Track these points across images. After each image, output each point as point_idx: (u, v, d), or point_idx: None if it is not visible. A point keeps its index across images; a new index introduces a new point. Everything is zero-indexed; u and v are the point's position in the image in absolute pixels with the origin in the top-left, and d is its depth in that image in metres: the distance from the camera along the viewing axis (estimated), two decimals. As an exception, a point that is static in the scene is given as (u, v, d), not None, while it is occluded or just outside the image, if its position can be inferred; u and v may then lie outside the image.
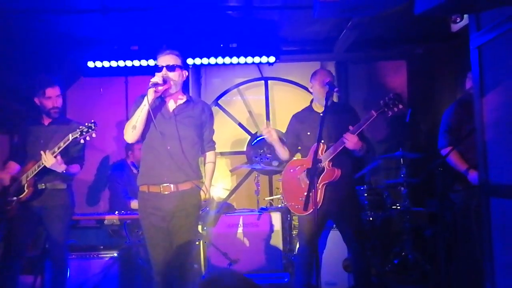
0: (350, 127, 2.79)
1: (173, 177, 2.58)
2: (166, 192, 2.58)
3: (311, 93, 3.09)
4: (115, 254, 3.47)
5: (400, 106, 2.70)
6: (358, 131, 2.77)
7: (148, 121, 2.56)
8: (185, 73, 2.72)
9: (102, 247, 3.59)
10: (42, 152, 2.88)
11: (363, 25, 3.86)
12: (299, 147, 3.13)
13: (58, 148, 2.88)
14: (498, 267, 2.24)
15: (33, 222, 3.06)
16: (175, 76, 2.64)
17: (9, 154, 3.27)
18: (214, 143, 2.84)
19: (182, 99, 2.72)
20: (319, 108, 3.02)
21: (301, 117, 3.11)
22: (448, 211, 3.23)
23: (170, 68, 2.62)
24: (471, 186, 2.91)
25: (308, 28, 4.30)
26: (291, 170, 3.04)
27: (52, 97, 3.07)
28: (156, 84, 2.52)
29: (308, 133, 2.99)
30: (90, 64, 4.45)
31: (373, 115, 2.75)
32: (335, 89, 2.80)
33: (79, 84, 4.94)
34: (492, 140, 2.28)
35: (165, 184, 2.58)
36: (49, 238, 3.11)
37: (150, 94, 2.50)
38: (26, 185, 2.98)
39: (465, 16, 3.08)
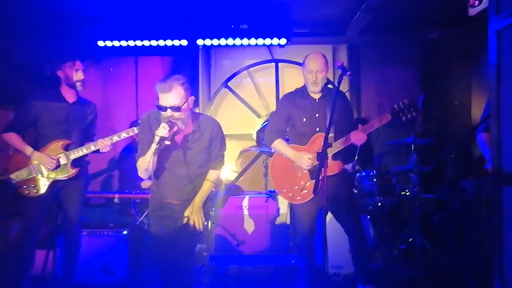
0: (360, 126, 2.79)
1: (180, 196, 2.65)
2: (176, 203, 2.67)
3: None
4: (125, 232, 3.53)
5: (414, 114, 2.74)
6: (370, 131, 2.78)
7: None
8: (192, 99, 2.50)
9: (112, 224, 3.65)
10: (101, 140, 3.02)
11: (377, 8, 3.77)
12: (287, 135, 3.02)
13: (115, 140, 3.04)
14: (507, 256, 2.23)
15: (50, 199, 3.10)
16: (183, 114, 2.44)
17: (9, 124, 3.15)
18: (221, 159, 2.72)
19: (189, 130, 2.58)
20: (314, 94, 2.89)
21: (295, 101, 2.93)
22: (458, 199, 3.21)
23: (176, 109, 2.39)
24: (484, 174, 2.87)
25: (321, 10, 4.21)
26: (285, 157, 2.92)
27: (79, 69, 3.11)
28: (164, 139, 2.37)
29: (304, 120, 2.88)
30: (100, 43, 4.44)
31: (388, 118, 2.79)
32: (348, 73, 2.71)
33: (88, 63, 4.92)
34: (507, 127, 2.23)
35: (174, 201, 2.67)
36: (64, 214, 3.16)
37: (160, 146, 2.37)
38: (69, 164, 3.04)
39: (484, 0, 2.99)
